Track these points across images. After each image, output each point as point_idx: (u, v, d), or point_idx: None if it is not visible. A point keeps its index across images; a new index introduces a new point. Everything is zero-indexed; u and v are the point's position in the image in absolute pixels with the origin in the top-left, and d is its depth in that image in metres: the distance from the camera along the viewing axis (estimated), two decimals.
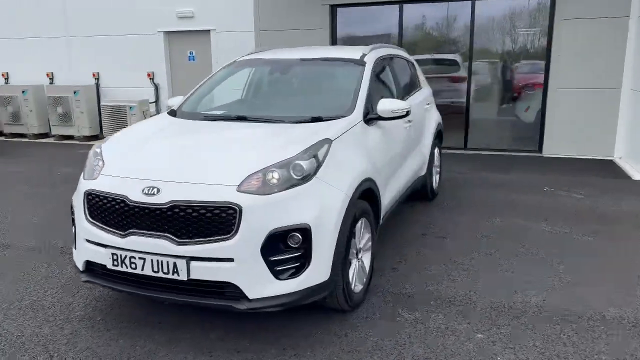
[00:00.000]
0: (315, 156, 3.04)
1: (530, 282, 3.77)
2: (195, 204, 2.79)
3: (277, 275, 2.80)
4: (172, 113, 4.18)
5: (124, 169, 3.14)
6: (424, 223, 5.11)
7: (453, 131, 8.91)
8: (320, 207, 2.91)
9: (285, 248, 2.83)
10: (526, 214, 5.35)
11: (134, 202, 2.90)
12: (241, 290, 2.79)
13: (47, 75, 11.49)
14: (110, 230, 2.98)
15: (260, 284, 2.78)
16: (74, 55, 11.25)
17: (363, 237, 3.47)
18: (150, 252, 2.86)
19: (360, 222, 3.36)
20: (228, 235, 2.76)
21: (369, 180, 3.45)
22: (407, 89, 5.16)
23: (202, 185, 2.87)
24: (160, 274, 2.85)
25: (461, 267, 4.07)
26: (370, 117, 3.82)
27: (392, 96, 4.64)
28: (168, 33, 10.46)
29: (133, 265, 2.91)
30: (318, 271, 2.90)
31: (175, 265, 2.81)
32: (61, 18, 11.17)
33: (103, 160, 3.28)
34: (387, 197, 4.03)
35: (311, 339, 3.07)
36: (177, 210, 2.81)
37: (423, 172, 5.36)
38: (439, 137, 5.99)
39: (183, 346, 3.02)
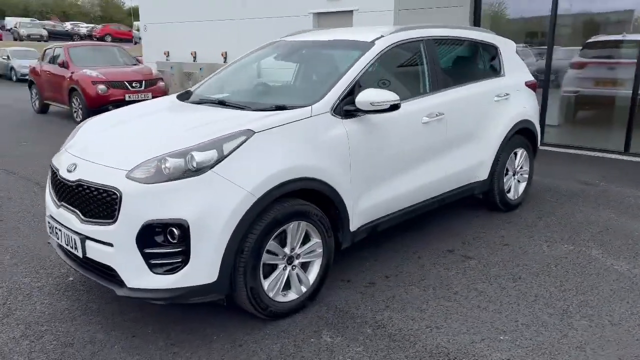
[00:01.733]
0: (218, 148, 2.81)
1: None
2: (92, 185, 2.85)
3: (152, 268, 2.70)
4: (186, 95, 4.25)
5: (77, 145, 3.35)
6: (463, 238, 4.34)
7: (610, 129, 7.31)
8: (207, 204, 2.69)
9: (163, 242, 2.70)
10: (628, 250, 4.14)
11: (60, 176, 3.10)
12: (120, 277, 2.77)
13: (222, 54, 12.75)
14: (52, 200, 3.23)
15: (136, 274, 2.72)
16: (242, 36, 12.25)
17: (300, 242, 3.11)
18: (65, 225, 3.02)
19: (291, 225, 3.01)
20: (110, 221, 2.75)
21: (308, 179, 3.05)
22: (457, 78, 4.35)
23: (102, 167, 2.90)
24: (69, 247, 3.00)
25: (449, 303, 3.37)
26: (348, 110, 3.35)
27: (413, 86, 4.00)
28: (317, 14, 10.64)
29: (57, 235, 3.12)
30: (200, 272, 2.71)
31: (75, 241, 2.92)
32: (237, 3, 12.22)
33: (74, 136, 3.55)
34: (370, 203, 3.52)
35: (207, 342, 2.91)
36: (81, 189, 2.91)
37: (482, 177, 4.53)
38: (527, 137, 4.97)
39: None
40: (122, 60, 11.59)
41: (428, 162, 3.96)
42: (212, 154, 2.78)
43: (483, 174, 4.55)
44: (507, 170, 4.85)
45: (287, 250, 3.07)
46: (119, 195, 2.71)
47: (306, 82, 4.02)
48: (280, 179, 2.90)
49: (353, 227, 3.44)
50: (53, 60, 11.51)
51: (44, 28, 42.55)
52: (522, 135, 4.91)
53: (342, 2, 10.11)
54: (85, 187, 2.89)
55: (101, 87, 10.13)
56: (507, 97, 4.70)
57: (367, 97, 3.32)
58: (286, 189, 2.94)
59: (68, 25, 51.06)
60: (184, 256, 2.68)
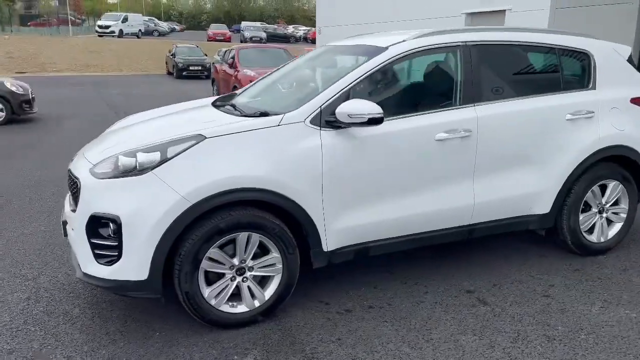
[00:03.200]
0: (162, 151, 2.87)
1: None
2: (71, 175, 3.17)
3: (96, 257, 2.89)
4: (224, 98, 4.33)
5: (98, 141, 3.70)
6: (500, 279, 3.67)
7: None
8: (141, 204, 2.77)
9: (104, 235, 2.87)
10: None
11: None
12: (78, 260, 3.02)
13: None
14: None
15: (87, 260, 2.93)
16: None
17: (254, 255, 3.00)
18: (65, 208, 3.39)
19: (240, 235, 2.93)
20: (75, 208, 3.02)
21: (259, 191, 2.91)
22: (509, 90, 3.64)
23: (85, 161, 3.18)
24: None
25: (409, 350, 2.91)
26: (328, 121, 3.11)
27: (432, 97, 3.51)
28: (470, 15, 9.92)
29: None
30: (131, 268, 2.81)
31: (61, 224, 3.29)
32: (392, 6, 12.09)
33: (107, 132, 3.94)
34: (353, 223, 3.20)
35: (146, 337, 3.01)
36: (69, 178, 3.25)
37: (540, 210, 3.76)
38: (626, 166, 3.97)
39: None
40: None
41: (445, 186, 3.43)
42: (155, 156, 2.84)
43: (542, 207, 3.77)
44: (589, 206, 3.94)
45: (235, 260, 2.99)
46: (79, 185, 2.96)
47: (304, 89, 3.81)
48: (222, 187, 2.83)
49: (328, 247, 3.18)
50: (227, 60, 12.84)
51: (264, 31, 47.35)
52: (615, 163, 3.93)
53: (495, 2, 9.23)
54: (69, 176, 3.21)
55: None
56: (591, 115, 3.80)
57: (346, 108, 3.04)
58: (230, 198, 2.86)
59: (290, 28, 56.15)
60: (118, 251, 2.80)
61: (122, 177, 2.84)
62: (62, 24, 59.78)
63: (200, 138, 2.91)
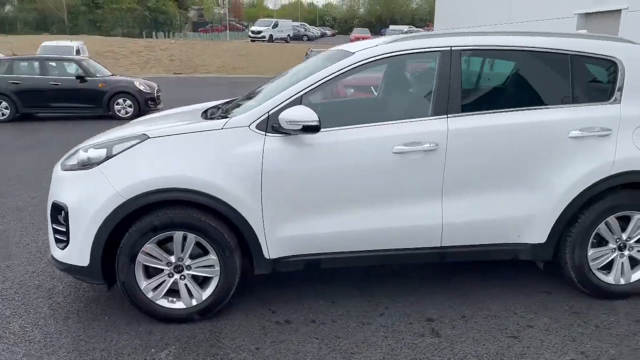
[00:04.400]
0: (109, 148, 3.08)
1: None
2: None
3: (55, 241, 3.21)
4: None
5: (97, 136, 4.05)
6: (470, 310, 3.29)
7: None
8: (85, 196, 3.01)
9: (59, 221, 3.16)
10: None
11: None
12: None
13: None
14: None
15: (52, 244, 3.27)
16: None
17: (188, 253, 3.09)
18: None
19: (176, 234, 3.04)
20: None
21: (193, 192, 2.98)
22: (501, 101, 3.24)
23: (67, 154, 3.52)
24: None
25: None
26: (273, 126, 3.07)
27: (396, 106, 3.25)
28: (584, 15, 8.90)
29: None
30: (75, 254, 3.06)
31: None
32: (507, 8, 11.28)
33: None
34: (298, 233, 3.12)
35: (88, 320, 3.26)
36: None
37: (531, 239, 3.28)
38: None
39: None
40: None
41: (407, 202, 3.17)
42: (102, 153, 3.07)
43: (535, 236, 3.28)
44: (605, 240, 3.35)
45: (173, 258, 3.09)
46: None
47: (272, 94, 3.73)
48: (153, 185, 2.96)
49: (271, 254, 3.14)
50: None
51: (404, 34, 46.93)
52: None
53: (609, 1, 8.13)
54: None
55: (350, 90, 10.99)
56: (607, 133, 3.22)
57: (286, 114, 2.98)
58: (161, 197, 2.98)
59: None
60: (67, 237, 3.08)
61: (77, 170, 3.10)
62: (236, 30, 65.48)
63: (143, 138, 3.07)
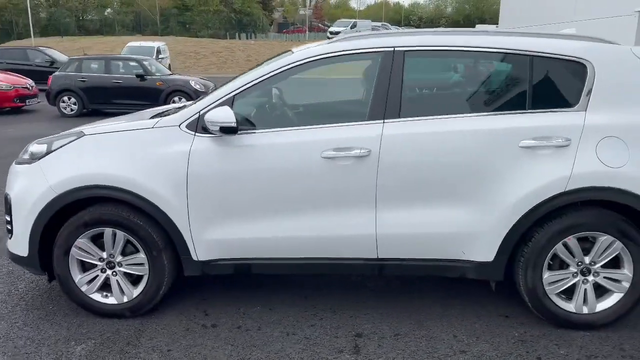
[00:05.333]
0: (49, 144, 3.19)
1: None
2: None
3: (7, 231, 3.39)
4: None
5: None
6: (400, 328, 3.07)
7: None
8: (24, 189, 3.14)
9: (7, 212, 3.33)
10: None
11: None
12: None
13: None
14: None
15: (6, 236, 3.46)
16: None
17: (119, 250, 3.14)
18: None
19: (106, 231, 3.10)
20: None
21: (117, 190, 3.02)
22: (445, 105, 2.99)
23: None
24: None
25: None
26: (204, 127, 3.04)
27: (330, 109, 3.10)
28: None
29: None
30: (17, 244, 3.20)
31: None
32: (573, 5, 10.51)
33: None
34: (227, 237, 3.07)
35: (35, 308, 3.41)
36: None
37: (476, 257, 2.99)
38: (625, 215, 2.92)
39: None
40: None
41: (338, 210, 3.01)
42: (42, 148, 3.19)
43: (481, 254, 3.00)
44: (567, 263, 3.00)
45: (104, 254, 3.16)
46: None
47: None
48: (80, 182, 3.04)
49: (199, 256, 3.12)
50: None
51: None
52: (613, 212, 2.91)
53: None
54: None
55: None
56: (565, 144, 2.88)
57: (209, 115, 2.95)
58: (88, 194, 3.05)
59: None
60: (11, 227, 3.23)
61: (23, 164, 3.24)
62: (311, 31, 66.34)
63: (80, 135, 3.16)
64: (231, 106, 3.01)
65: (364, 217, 3.01)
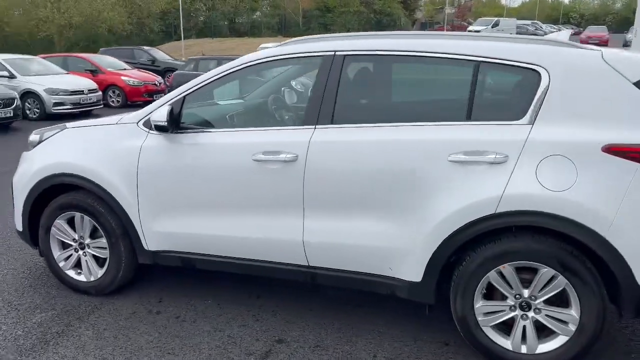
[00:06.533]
0: (41, 135, 3.62)
1: None
2: None
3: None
4: None
5: None
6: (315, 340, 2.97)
7: None
8: (21, 172, 3.61)
9: None
10: None
11: None
12: None
13: None
14: None
15: None
16: None
17: (88, 233, 3.48)
18: None
19: (76, 215, 3.46)
20: None
21: (81, 178, 3.33)
22: (366, 113, 2.82)
23: None
24: None
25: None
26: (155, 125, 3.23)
27: (266, 113, 3.09)
28: None
29: None
30: (16, 220, 3.67)
31: None
32: None
33: None
34: (171, 230, 3.23)
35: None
36: None
37: (404, 275, 2.79)
38: (577, 248, 2.53)
39: None
40: None
41: (269, 214, 3.01)
42: (36, 138, 3.64)
43: (409, 273, 2.79)
44: (502, 294, 2.69)
45: (76, 235, 3.52)
46: None
47: None
48: (53, 170, 3.42)
49: (149, 246, 3.34)
50: None
51: None
52: (557, 240, 2.54)
53: None
54: None
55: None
56: (501, 160, 2.56)
57: (153, 115, 3.14)
58: (59, 180, 3.42)
59: None
60: (13, 204, 3.74)
61: (28, 150, 3.72)
62: (454, 29, 64.50)
63: (63, 127, 3.55)
64: (181, 106, 3.16)
65: (292, 222, 2.97)
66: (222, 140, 3.08)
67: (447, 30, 62.08)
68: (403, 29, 62.12)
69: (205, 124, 3.23)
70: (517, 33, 46.00)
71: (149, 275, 3.79)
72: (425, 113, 2.84)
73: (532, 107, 2.59)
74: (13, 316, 3.28)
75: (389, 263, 2.84)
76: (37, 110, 12.32)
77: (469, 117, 2.68)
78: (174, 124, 3.09)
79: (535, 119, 2.57)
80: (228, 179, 3.05)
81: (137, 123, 3.29)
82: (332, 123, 2.88)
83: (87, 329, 3.13)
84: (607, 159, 2.43)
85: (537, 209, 2.49)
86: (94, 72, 14.82)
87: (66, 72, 13.91)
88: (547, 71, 2.59)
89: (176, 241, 3.27)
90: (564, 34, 3.15)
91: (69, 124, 3.58)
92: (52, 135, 3.55)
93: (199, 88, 3.20)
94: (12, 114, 10.48)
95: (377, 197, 2.78)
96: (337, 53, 2.94)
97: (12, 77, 12.44)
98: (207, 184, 3.10)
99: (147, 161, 3.20)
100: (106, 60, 16.02)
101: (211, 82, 3.18)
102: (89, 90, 12.91)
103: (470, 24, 64.36)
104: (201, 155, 3.10)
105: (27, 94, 12.29)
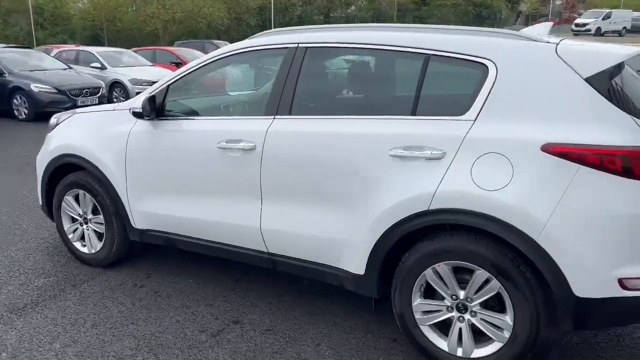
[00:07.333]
0: (58, 119, 4.02)
1: None
2: None
3: None
4: None
5: None
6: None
7: None
8: (42, 152, 4.03)
9: None
10: None
11: None
12: None
13: None
14: None
15: None
16: None
17: (90, 209, 3.83)
18: None
19: (80, 192, 3.82)
20: None
21: (80, 158, 3.66)
22: (321, 105, 2.83)
23: None
24: None
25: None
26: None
27: (234, 103, 3.17)
28: None
29: None
30: (39, 195, 4.16)
31: None
32: None
33: None
34: (152, 210, 3.48)
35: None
36: None
37: (349, 267, 2.79)
38: (510, 249, 2.41)
39: None
40: None
41: (232, 199, 3.14)
42: (55, 121, 4.05)
43: (353, 265, 2.80)
44: (441, 295, 2.63)
45: (80, 210, 3.89)
46: None
47: None
48: (60, 150, 3.79)
49: (136, 224, 3.61)
50: None
51: None
52: (493, 241, 2.44)
53: None
54: None
55: None
56: (439, 156, 2.49)
57: (135, 101, 3.39)
58: (66, 160, 3.78)
59: None
60: (37, 180, 4.19)
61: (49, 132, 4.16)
62: (564, 22, 60.56)
63: (73, 113, 3.91)
64: (164, 95, 3.38)
65: (252, 209, 3.08)
66: (194, 127, 3.25)
67: (555, 23, 58.32)
68: (504, 23, 59.30)
69: (190, 113, 3.42)
70: (631, 26, 42.28)
71: (146, 253, 4.07)
72: (375, 106, 2.83)
73: (476, 103, 2.49)
74: (22, 279, 3.69)
75: (336, 254, 2.86)
76: (123, 99, 13.35)
77: (414, 112, 2.63)
78: (153, 112, 3.30)
79: (478, 115, 2.47)
80: (197, 164, 3.22)
81: (130, 110, 3.55)
82: (290, 114, 2.95)
83: (74, 296, 3.46)
84: (546, 159, 2.29)
85: (468, 207, 2.40)
86: (178, 64, 15.76)
87: (152, 64, 14.94)
88: (495, 65, 2.48)
89: (158, 221, 3.51)
90: (544, 26, 2.96)
91: (78, 110, 3.95)
92: (64, 120, 3.93)
93: (180, 79, 3.39)
94: (97, 102, 11.48)
95: (326, 188, 2.81)
96: (299, 45, 3.00)
97: (103, 68, 13.59)
98: (180, 168, 3.30)
99: (133, 145, 3.46)
100: (191, 53, 16.95)
101: (188, 74, 3.36)
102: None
103: (580, 15, 60.04)
104: (176, 141, 3.30)
105: (115, 84, 13.39)
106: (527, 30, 2.90)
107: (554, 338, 2.44)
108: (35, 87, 10.92)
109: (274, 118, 2.98)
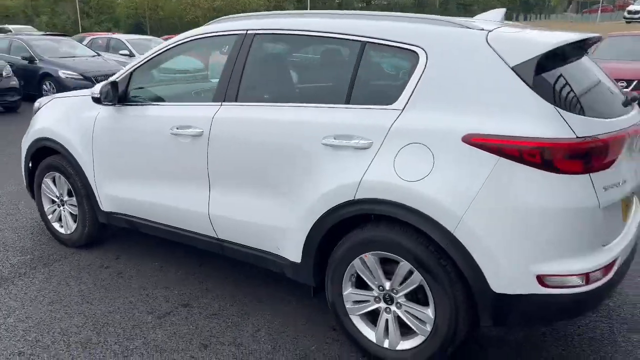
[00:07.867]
0: (40, 103, 4.17)
1: None
2: None
3: None
4: None
5: None
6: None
7: None
8: (26, 134, 4.19)
9: None
10: None
11: None
12: None
13: None
14: None
15: None
16: None
17: (65, 192, 3.97)
18: None
19: (56, 175, 3.97)
20: None
21: (54, 142, 3.80)
22: (264, 92, 2.82)
23: None
24: None
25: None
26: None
27: (186, 88, 3.23)
28: None
29: None
30: (23, 175, 4.34)
31: None
32: None
33: None
34: (116, 193, 3.57)
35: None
36: None
37: (288, 255, 2.80)
38: (430, 242, 2.36)
39: None
40: None
41: (183, 185, 3.19)
42: (37, 105, 4.20)
43: (291, 252, 2.80)
44: (370, 285, 2.60)
45: (57, 192, 4.04)
46: None
47: None
48: (39, 134, 3.93)
49: (104, 207, 3.71)
50: None
51: None
52: (416, 233, 2.39)
53: None
54: None
55: None
56: (366, 145, 2.45)
57: (95, 87, 3.48)
58: (43, 143, 3.92)
59: None
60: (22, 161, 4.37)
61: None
62: (618, 9, 57.89)
63: (53, 98, 4.04)
64: (128, 81, 3.45)
65: (200, 194, 3.12)
66: (152, 113, 3.31)
67: (612, 10, 55.77)
68: (552, 10, 57.12)
69: (151, 99, 3.48)
70: None
71: (120, 235, 4.19)
72: (313, 94, 2.81)
73: (405, 91, 2.43)
74: (0, 256, 3.87)
75: (277, 242, 2.87)
76: None
77: (348, 100, 2.59)
78: (116, 97, 3.37)
79: (406, 104, 2.42)
80: (153, 149, 3.29)
81: (90, 95, 3.64)
82: (236, 101, 2.96)
83: (42, 274, 3.60)
84: (466, 150, 2.22)
85: (389, 198, 2.36)
86: None
87: None
88: (425, 52, 2.41)
89: (121, 204, 3.60)
90: (497, 12, 2.85)
91: (58, 94, 4.07)
92: (46, 104, 4.07)
93: (141, 65, 3.45)
94: None
95: (266, 176, 2.82)
96: (248, 32, 3.00)
97: (131, 55, 13.92)
98: (138, 152, 3.37)
99: (99, 129, 3.55)
100: None
101: (149, 60, 3.42)
102: (195, 69, 13.98)
103: (633, 2, 57.24)
104: (135, 126, 3.37)
105: None
106: (479, 17, 2.81)
107: (474, 333, 2.37)
108: (62, 74, 11.30)
109: (221, 105, 3.00)
